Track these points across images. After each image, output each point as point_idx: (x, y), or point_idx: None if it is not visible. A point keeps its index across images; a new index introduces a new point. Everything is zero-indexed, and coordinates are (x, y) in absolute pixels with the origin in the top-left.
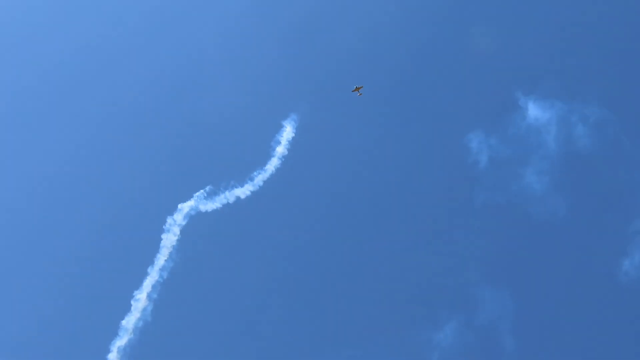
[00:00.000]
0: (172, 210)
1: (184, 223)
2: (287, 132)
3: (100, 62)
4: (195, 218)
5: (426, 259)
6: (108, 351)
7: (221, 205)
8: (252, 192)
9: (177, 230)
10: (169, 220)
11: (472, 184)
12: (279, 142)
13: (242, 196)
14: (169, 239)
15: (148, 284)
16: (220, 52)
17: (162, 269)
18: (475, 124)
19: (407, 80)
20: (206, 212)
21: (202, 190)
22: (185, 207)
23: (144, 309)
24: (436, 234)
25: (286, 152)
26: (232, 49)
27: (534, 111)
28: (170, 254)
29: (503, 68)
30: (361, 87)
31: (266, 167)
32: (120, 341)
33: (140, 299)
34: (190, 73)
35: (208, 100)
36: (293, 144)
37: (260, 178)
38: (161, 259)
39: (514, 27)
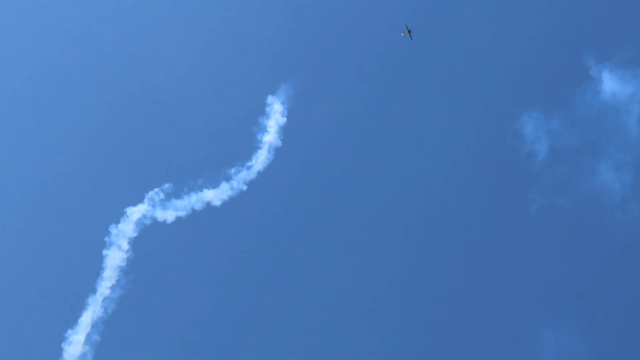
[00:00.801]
0: (117, 216)
1: (134, 235)
2: (276, 112)
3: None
4: (150, 229)
5: (465, 284)
6: None
7: (185, 213)
8: (230, 198)
9: (124, 244)
10: (113, 230)
11: (526, 184)
12: (264, 128)
13: (215, 202)
14: (114, 256)
15: (86, 320)
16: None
17: (106, 300)
18: (531, 102)
19: (434, 38)
20: (164, 222)
21: (157, 190)
22: (135, 212)
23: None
24: (478, 251)
25: (276, 142)
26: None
27: (611, 84)
28: (118, 278)
29: (567, 25)
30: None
31: (250, 163)
32: None
33: (76, 343)
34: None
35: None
36: (285, 129)
37: (241, 177)
38: (105, 285)
39: None
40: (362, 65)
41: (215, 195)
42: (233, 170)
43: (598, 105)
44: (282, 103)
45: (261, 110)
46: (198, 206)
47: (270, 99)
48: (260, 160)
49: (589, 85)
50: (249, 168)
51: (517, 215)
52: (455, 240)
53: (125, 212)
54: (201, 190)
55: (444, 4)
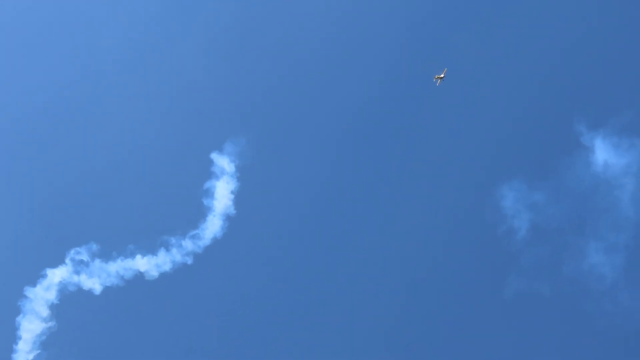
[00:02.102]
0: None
1: (55, 301)
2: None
3: None
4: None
5: None
6: None
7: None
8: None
9: (43, 310)
10: (29, 293)
11: (503, 266)
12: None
13: (153, 273)
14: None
15: None
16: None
17: None
18: (513, 171)
19: (409, 100)
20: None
21: (78, 250)
22: (57, 275)
23: None
24: (446, 340)
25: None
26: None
27: (604, 153)
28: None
29: (557, 87)
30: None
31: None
32: None
33: None
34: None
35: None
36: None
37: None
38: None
39: (577, 31)
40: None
41: (151, 265)
42: (173, 240)
43: (589, 177)
44: (231, 161)
45: (207, 171)
46: (128, 274)
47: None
48: (209, 229)
49: (579, 155)
50: (193, 237)
51: (490, 303)
52: (419, 335)
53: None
54: (133, 258)
55: (428, 64)
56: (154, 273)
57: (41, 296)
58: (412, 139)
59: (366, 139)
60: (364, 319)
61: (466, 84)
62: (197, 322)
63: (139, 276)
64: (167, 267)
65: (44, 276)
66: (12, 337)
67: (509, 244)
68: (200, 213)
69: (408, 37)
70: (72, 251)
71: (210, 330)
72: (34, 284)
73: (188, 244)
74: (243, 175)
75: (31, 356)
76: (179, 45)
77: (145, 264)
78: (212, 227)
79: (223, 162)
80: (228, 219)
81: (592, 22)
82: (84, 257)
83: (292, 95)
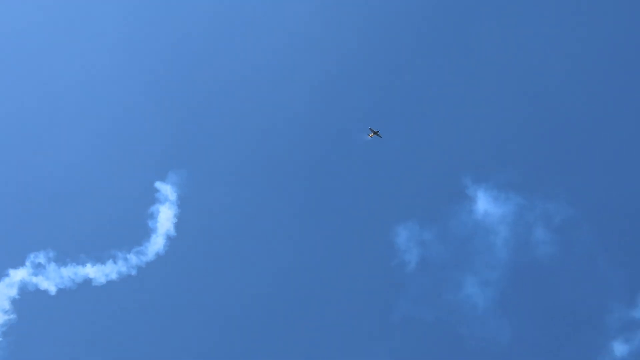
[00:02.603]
0: None
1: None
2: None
3: None
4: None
5: None
6: None
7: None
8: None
9: (6, 304)
10: None
11: (394, 292)
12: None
13: (101, 280)
14: None
15: None
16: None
17: None
18: (408, 214)
19: (319, 146)
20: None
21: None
22: (18, 275)
23: None
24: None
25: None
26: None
27: (485, 204)
28: None
29: (449, 146)
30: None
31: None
32: None
33: None
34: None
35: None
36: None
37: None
38: None
39: (465, 96)
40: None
41: (99, 273)
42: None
43: (470, 222)
44: (173, 190)
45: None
46: (79, 279)
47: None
48: (152, 247)
49: (464, 203)
50: (138, 253)
51: (379, 323)
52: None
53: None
54: (82, 265)
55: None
56: (102, 280)
57: (4, 292)
58: (327, 183)
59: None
60: (261, 339)
61: (373, 138)
62: (135, 326)
63: (88, 281)
64: (113, 276)
65: (7, 275)
66: None
67: (400, 275)
68: (144, 232)
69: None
70: (32, 255)
71: (146, 335)
72: None
73: (133, 258)
74: (184, 202)
75: None
76: (125, 78)
77: (94, 272)
78: (155, 245)
79: (166, 190)
80: (169, 239)
81: (477, 98)
82: (42, 260)
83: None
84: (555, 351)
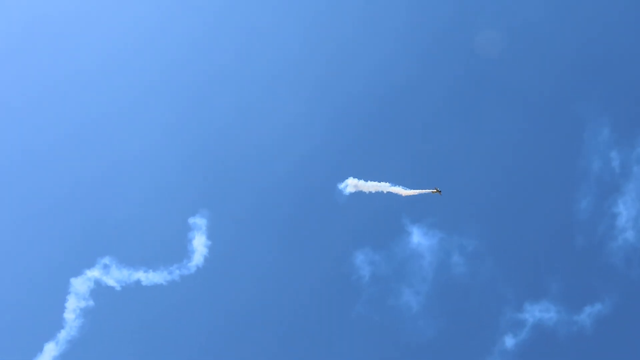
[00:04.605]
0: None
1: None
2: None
3: None
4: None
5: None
6: None
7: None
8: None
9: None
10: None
11: (352, 298)
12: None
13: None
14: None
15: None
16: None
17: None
18: (364, 243)
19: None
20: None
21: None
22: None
23: None
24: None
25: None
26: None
27: (418, 237)
28: None
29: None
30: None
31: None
32: None
33: None
34: None
35: None
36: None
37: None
38: None
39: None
40: None
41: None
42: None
43: (408, 250)
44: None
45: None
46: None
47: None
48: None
49: (404, 236)
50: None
51: (340, 319)
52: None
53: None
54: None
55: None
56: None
57: (83, 285)
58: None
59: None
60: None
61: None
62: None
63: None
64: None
65: (83, 273)
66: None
67: (358, 286)
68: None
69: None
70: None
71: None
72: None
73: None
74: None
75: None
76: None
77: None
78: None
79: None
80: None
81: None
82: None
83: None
84: (464, 343)
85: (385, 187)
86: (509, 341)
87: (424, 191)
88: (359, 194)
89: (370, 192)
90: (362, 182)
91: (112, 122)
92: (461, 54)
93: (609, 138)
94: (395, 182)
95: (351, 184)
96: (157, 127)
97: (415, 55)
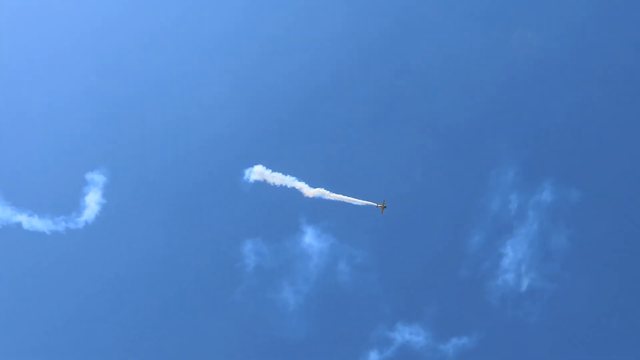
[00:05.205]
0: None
1: None
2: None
3: None
4: None
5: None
6: None
7: None
8: None
9: None
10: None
11: (234, 285)
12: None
13: None
14: None
15: None
16: None
17: None
18: (255, 234)
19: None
20: None
21: None
22: None
23: None
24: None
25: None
26: None
27: (310, 238)
28: None
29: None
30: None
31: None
32: None
33: None
34: None
35: None
36: None
37: None
38: None
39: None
40: None
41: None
42: None
43: (298, 249)
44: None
45: None
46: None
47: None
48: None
49: (296, 234)
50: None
51: (216, 301)
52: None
53: None
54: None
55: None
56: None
57: None
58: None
59: None
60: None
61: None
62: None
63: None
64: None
65: None
66: None
67: (241, 273)
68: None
69: None
70: None
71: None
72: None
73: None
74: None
75: None
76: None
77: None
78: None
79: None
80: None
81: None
82: None
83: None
84: (330, 350)
85: (290, 181)
86: (373, 356)
87: (368, 203)
88: (263, 184)
89: (275, 184)
90: (269, 172)
91: (28, 72)
92: (385, 71)
93: (513, 180)
94: (303, 179)
95: (258, 172)
96: (76, 80)
97: (339, 62)
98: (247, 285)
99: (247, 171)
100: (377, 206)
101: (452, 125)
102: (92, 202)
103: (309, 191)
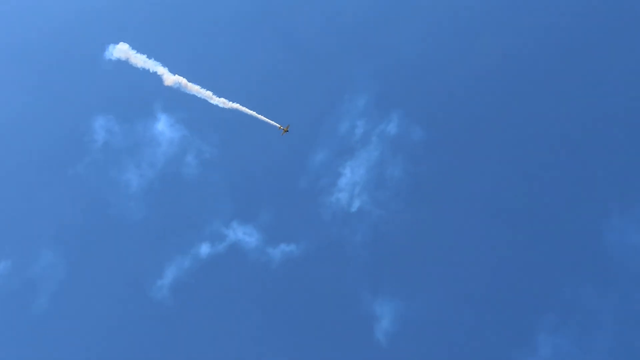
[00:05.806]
0: None
1: None
2: None
3: None
4: None
5: None
6: None
7: None
8: None
9: None
10: None
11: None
12: None
13: None
14: None
15: None
16: None
17: None
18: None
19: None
20: None
21: None
22: None
23: None
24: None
25: None
26: None
27: (163, 126)
28: None
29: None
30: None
31: None
32: None
33: None
34: None
35: None
36: None
37: None
38: None
39: None
40: None
41: None
42: None
43: (149, 134)
44: None
45: None
46: None
47: None
48: None
49: (149, 119)
50: None
51: (63, 174)
52: None
53: None
54: None
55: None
56: None
57: None
58: None
59: None
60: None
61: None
62: None
63: None
64: None
65: None
66: None
67: (87, 149)
68: None
69: None
70: None
71: None
72: None
73: None
74: None
75: None
76: None
77: None
78: None
79: None
80: None
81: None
82: None
83: None
84: (165, 235)
85: (153, 65)
86: (205, 248)
87: (272, 122)
88: (125, 63)
89: (137, 66)
90: (134, 52)
91: None
92: None
93: (364, 107)
94: (166, 65)
95: (121, 50)
96: None
97: None
98: (92, 160)
99: (110, 47)
100: (279, 127)
101: (315, 45)
102: None
103: (169, 78)
